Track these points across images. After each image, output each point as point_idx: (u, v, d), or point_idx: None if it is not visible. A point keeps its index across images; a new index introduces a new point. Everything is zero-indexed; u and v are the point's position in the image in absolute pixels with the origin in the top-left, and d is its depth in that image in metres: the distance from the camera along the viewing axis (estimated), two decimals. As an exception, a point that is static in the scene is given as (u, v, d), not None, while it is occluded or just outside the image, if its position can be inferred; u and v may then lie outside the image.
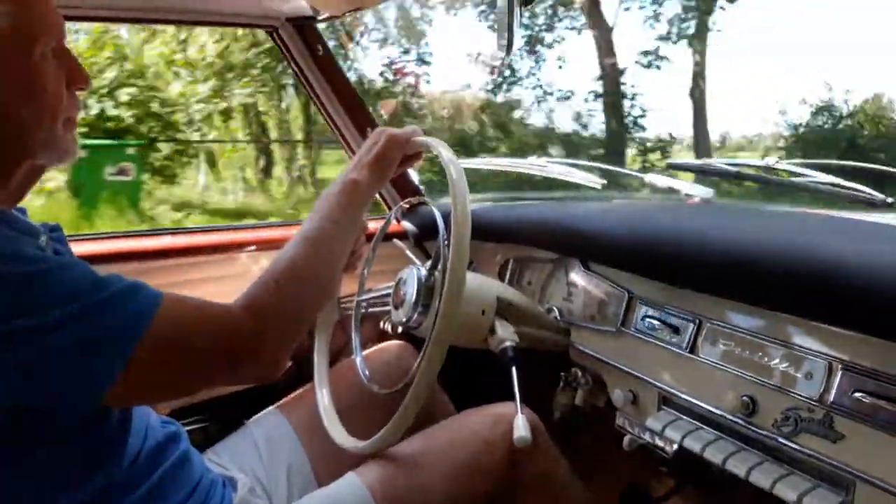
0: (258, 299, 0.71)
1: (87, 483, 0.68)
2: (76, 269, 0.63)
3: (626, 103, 9.05)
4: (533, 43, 9.17)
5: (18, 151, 0.68)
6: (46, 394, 0.60)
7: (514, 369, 0.95)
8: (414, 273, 0.99)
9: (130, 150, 7.31)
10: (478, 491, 0.92)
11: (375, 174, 0.89)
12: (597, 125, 9.20)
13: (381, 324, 1.08)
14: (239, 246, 1.38)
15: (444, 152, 0.86)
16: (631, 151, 9.20)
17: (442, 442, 0.95)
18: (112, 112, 7.76)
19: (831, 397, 0.74)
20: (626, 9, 9.31)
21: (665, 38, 8.93)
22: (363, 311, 1.13)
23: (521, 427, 0.86)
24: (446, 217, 0.87)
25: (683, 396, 0.92)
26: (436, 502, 0.88)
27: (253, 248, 1.38)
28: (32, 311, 0.58)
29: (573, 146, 8.92)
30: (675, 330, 0.95)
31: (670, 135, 9.22)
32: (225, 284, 1.11)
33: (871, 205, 1.10)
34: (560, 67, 9.74)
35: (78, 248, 0.87)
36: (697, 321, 0.92)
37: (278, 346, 0.71)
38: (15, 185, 0.71)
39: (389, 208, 1.61)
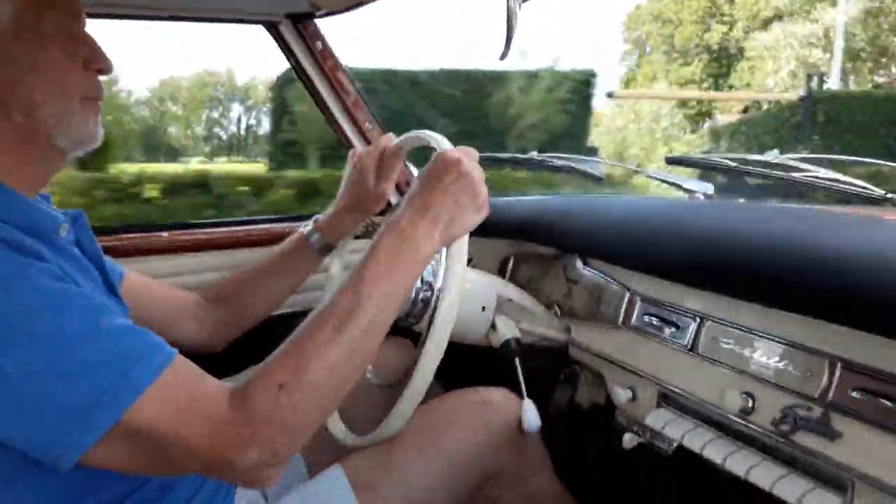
0: (253, 400, 0.59)
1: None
2: (81, 311, 0.58)
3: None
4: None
5: (30, 123, 0.66)
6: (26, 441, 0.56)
7: (517, 360, 0.96)
8: None
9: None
10: (459, 474, 0.89)
11: (452, 227, 0.72)
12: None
13: None
14: (247, 242, 1.38)
15: None
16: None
17: (424, 426, 0.92)
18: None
19: (830, 395, 0.74)
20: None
21: None
22: None
23: (530, 412, 0.87)
24: None
25: (683, 394, 0.92)
26: (415, 486, 0.86)
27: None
28: (12, 352, 0.54)
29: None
30: (676, 327, 0.94)
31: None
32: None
33: (872, 200, 1.11)
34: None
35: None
36: (698, 318, 0.92)
37: (263, 458, 0.59)
38: (34, 169, 0.69)
39: (389, 205, 1.61)
